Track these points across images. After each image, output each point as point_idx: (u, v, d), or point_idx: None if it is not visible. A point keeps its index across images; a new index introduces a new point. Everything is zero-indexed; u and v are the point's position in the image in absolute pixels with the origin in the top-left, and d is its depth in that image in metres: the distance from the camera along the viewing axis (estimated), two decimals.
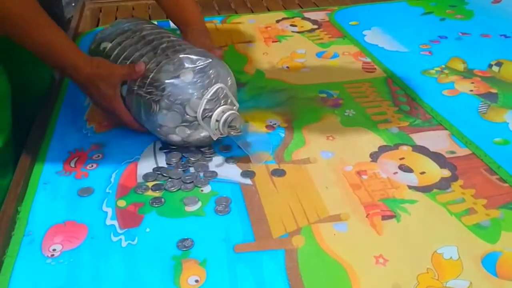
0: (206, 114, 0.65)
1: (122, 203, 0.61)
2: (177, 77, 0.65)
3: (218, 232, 0.57)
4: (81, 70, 0.68)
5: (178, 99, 0.65)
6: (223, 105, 0.65)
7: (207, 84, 0.65)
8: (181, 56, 0.66)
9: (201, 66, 0.66)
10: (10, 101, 0.75)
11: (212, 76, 0.66)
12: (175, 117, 0.65)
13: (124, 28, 0.76)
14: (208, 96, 0.64)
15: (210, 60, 0.66)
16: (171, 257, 0.53)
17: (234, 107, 0.67)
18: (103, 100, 0.71)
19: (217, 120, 0.65)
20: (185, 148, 0.69)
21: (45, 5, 0.76)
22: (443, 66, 0.93)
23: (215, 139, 0.66)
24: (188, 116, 0.65)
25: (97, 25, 1.21)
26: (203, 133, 0.67)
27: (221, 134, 0.66)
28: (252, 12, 1.25)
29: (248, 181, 0.64)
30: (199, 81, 0.65)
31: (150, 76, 0.67)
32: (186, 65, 0.66)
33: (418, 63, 0.94)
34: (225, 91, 0.66)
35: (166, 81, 0.65)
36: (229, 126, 0.65)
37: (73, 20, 1.22)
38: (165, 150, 0.70)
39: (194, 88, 0.65)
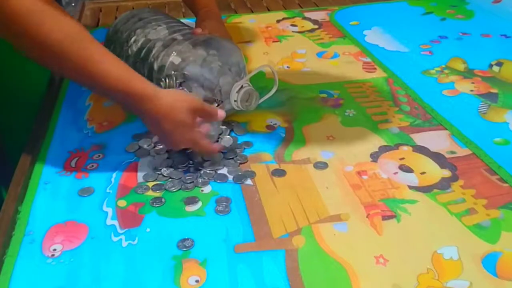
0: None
1: (122, 203, 0.61)
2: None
3: (219, 232, 0.57)
4: (156, 99, 0.61)
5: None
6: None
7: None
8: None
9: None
10: None
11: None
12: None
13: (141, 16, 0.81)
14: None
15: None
16: (171, 257, 0.53)
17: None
18: (182, 132, 0.63)
19: (236, 92, 0.70)
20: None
21: None
22: (444, 66, 0.93)
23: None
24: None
25: (97, 25, 1.21)
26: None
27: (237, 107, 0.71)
28: (252, 12, 1.25)
29: (248, 181, 0.64)
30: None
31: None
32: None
33: (418, 63, 0.94)
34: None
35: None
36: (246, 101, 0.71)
37: None
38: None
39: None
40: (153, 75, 0.73)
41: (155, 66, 0.72)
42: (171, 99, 0.62)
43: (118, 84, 0.60)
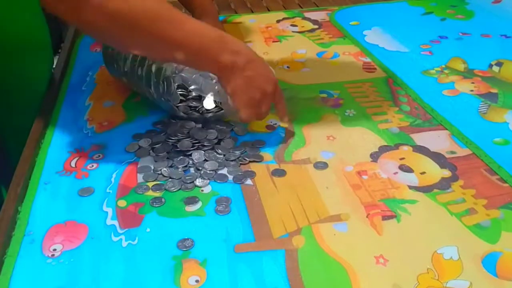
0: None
1: (122, 203, 0.61)
2: None
3: (219, 232, 0.57)
4: (241, 43, 0.66)
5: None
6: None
7: None
8: None
9: None
10: None
11: None
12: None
13: None
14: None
15: None
16: (171, 257, 0.53)
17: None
18: (269, 70, 0.69)
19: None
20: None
21: None
22: (444, 66, 0.93)
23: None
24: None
25: None
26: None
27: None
28: (252, 12, 1.25)
29: (248, 181, 0.64)
30: None
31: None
32: None
33: (418, 63, 0.94)
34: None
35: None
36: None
37: None
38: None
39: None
40: (151, 78, 0.73)
41: (153, 69, 0.72)
42: None
43: (212, 32, 0.63)
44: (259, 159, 0.68)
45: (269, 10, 1.26)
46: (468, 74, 0.90)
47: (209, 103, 0.72)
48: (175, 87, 0.71)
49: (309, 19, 1.16)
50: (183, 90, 0.72)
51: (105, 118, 0.78)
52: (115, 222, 0.58)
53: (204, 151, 0.69)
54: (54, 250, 0.54)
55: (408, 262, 0.53)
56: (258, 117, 0.70)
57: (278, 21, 1.15)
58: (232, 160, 0.67)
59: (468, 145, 0.71)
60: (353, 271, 0.52)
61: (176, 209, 0.60)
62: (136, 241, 0.56)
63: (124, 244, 0.55)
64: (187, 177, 0.64)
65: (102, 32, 0.59)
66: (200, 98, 0.72)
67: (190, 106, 0.73)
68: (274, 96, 0.69)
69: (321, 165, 0.67)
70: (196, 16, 0.85)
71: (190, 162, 0.67)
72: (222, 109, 0.74)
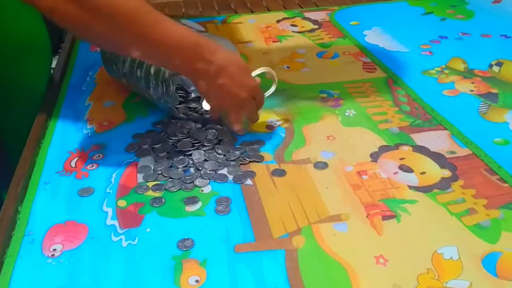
0: None
1: (122, 203, 0.61)
2: None
3: (219, 232, 0.57)
4: (217, 50, 0.64)
5: None
6: None
7: None
8: None
9: None
10: None
11: None
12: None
13: None
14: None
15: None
16: (171, 257, 0.53)
17: None
18: (246, 76, 0.69)
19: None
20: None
21: None
22: (444, 66, 0.93)
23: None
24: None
25: None
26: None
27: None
28: (252, 12, 1.25)
29: (248, 181, 0.64)
30: None
31: None
32: None
33: (418, 63, 0.94)
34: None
35: None
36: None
37: None
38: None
39: None
40: (150, 79, 0.72)
41: (152, 71, 0.72)
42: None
43: (189, 37, 0.62)
44: (259, 159, 0.68)
45: (269, 10, 1.26)
46: (468, 74, 0.90)
47: (208, 104, 0.72)
48: (174, 88, 0.71)
49: (309, 19, 1.16)
50: (182, 91, 0.72)
51: (105, 118, 0.78)
52: (115, 222, 0.58)
53: (204, 151, 0.69)
54: (54, 250, 0.54)
55: (408, 262, 0.53)
56: (239, 121, 0.72)
57: (278, 21, 1.15)
58: (232, 160, 0.67)
59: (468, 145, 0.71)
60: (353, 271, 0.52)
61: (176, 209, 0.60)
62: (136, 241, 0.56)
63: (124, 244, 0.55)
64: (187, 177, 0.64)
65: (83, 27, 0.58)
66: (199, 99, 0.72)
67: (190, 107, 0.73)
68: (255, 101, 0.71)
69: (321, 165, 0.67)
70: None
71: (190, 162, 0.67)
72: None
